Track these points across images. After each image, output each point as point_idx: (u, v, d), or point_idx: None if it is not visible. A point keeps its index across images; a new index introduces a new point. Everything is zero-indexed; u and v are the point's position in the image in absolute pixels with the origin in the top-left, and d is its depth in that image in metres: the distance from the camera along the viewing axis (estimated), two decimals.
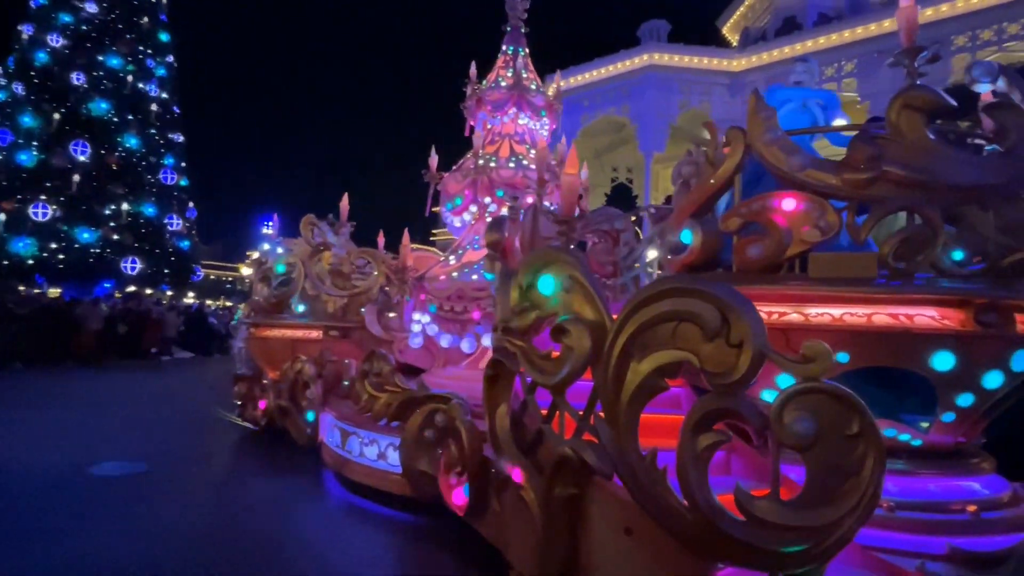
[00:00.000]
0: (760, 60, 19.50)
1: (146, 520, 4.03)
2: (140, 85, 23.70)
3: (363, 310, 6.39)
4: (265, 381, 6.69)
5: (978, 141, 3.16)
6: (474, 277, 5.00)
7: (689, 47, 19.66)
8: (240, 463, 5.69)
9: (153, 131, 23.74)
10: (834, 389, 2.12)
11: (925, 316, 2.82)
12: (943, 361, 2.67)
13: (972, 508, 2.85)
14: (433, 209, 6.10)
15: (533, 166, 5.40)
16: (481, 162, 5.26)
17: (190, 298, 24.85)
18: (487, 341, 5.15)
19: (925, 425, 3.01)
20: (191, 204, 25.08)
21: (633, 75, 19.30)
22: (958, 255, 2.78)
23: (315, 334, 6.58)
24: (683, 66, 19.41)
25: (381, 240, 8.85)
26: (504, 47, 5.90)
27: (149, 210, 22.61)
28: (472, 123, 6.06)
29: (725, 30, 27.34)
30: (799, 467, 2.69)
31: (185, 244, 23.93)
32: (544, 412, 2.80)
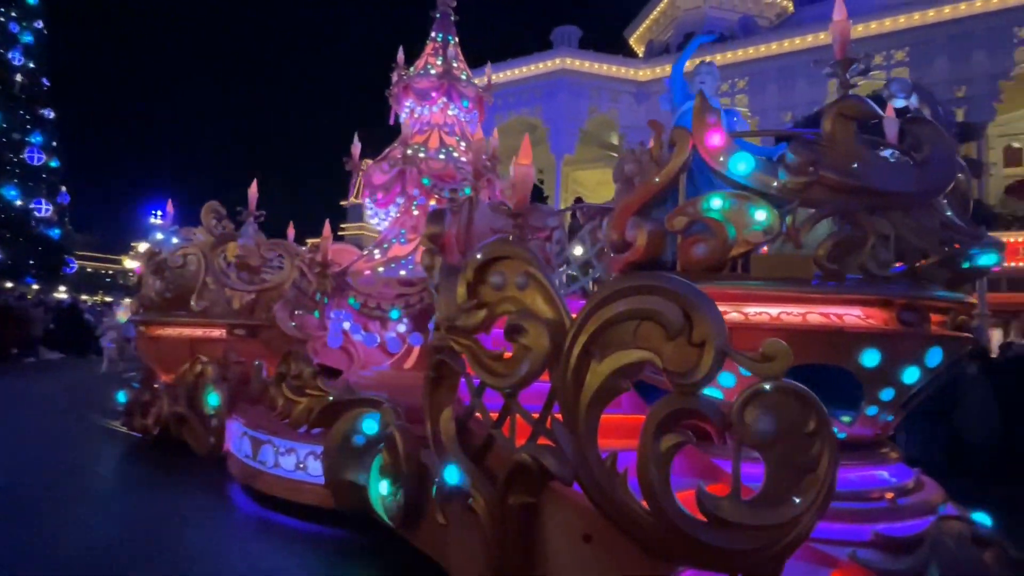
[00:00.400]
0: (664, 72, 20.46)
1: (20, 540, 3.43)
2: (1, 51, 20.59)
3: (274, 307, 5.88)
4: (157, 385, 5.97)
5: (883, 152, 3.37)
6: (402, 273, 4.71)
7: (599, 55, 20.39)
8: (130, 476, 5.02)
9: (17, 105, 20.64)
10: (793, 388, 2.11)
11: (854, 316, 2.95)
12: (870, 358, 2.80)
13: (889, 495, 3.02)
14: (352, 200, 5.69)
15: (464, 158, 5.19)
16: (409, 152, 4.97)
17: (61, 292, 22.05)
18: (415, 340, 4.88)
19: (846, 419, 3.15)
20: (63, 188, 22.09)
21: (546, 78, 19.71)
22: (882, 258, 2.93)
23: (217, 333, 5.96)
24: (593, 72, 20.09)
25: (291, 232, 8.25)
26: (433, 34, 5.64)
27: (11, 193, 19.66)
28: (397, 111, 5.74)
29: (632, 41, 28.51)
30: (750, 464, 2.69)
31: (55, 232, 21.06)
32: (494, 416, 2.62)
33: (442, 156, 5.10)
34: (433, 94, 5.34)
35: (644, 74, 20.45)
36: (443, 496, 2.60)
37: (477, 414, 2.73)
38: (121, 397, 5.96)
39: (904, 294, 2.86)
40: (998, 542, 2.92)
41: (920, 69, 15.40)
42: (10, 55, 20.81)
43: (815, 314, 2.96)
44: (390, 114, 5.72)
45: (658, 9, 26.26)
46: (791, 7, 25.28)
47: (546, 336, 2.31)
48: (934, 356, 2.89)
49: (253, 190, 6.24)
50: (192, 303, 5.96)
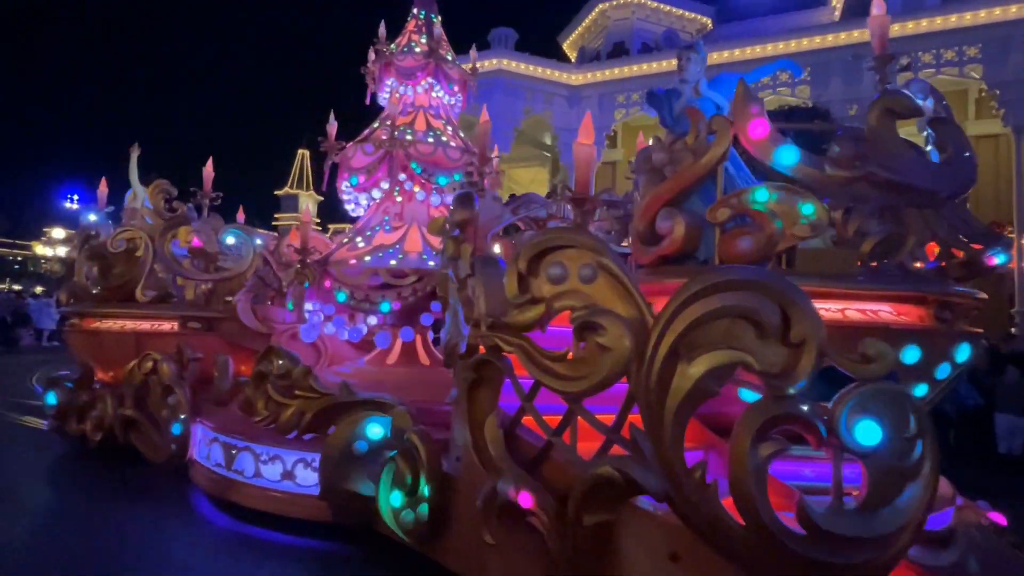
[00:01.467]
0: (594, 77, 21.37)
1: None
2: None
3: (234, 298, 5.20)
4: (96, 386, 5.15)
5: None
6: (392, 263, 4.23)
7: (534, 57, 20.92)
8: (76, 487, 4.26)
9: None
10: (894, 389, 1.95)
11: (885, 312, 2.87)
12: (911, 354, 2.71)
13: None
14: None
15: (453, 143, 4.76)
16: (396, 134, 4.49)
17: None
18: (406, 335, 4.43)
19: None
20: None
21: (483, 78, 19.49)
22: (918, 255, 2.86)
23: (168, 326, 5.21)
24: (529, 74, 20.55)
25: (241, 216, 7.47)
26: (415, 10, 5.14)
27: None
28: (375, 90, 5.20)
29: (565, 46, 29.06)
30: (814, 464, 2.51)
31: None
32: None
33: (431, 140, 4.65)
34: (418, 74, 4.87)
35: (576, 78, 21.15)
36: (495, 512, 2.25)
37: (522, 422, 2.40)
38: (51, 399, 5.07)
39: (939, 291, 2.80)
40: (1008, 529, 2.96)
41: (819, 87, 16.77)
42: None
43: (853, 310, 2.85)
44: (366, 93, 5.18)
45: (589, 18, 27.05)
46: (711, 24, 26.51)
47: (628, 336, 2.01)
48: (963, 352, 2.86)
49: (209, 169, 5.52)
50: (138, 293, 5.18)
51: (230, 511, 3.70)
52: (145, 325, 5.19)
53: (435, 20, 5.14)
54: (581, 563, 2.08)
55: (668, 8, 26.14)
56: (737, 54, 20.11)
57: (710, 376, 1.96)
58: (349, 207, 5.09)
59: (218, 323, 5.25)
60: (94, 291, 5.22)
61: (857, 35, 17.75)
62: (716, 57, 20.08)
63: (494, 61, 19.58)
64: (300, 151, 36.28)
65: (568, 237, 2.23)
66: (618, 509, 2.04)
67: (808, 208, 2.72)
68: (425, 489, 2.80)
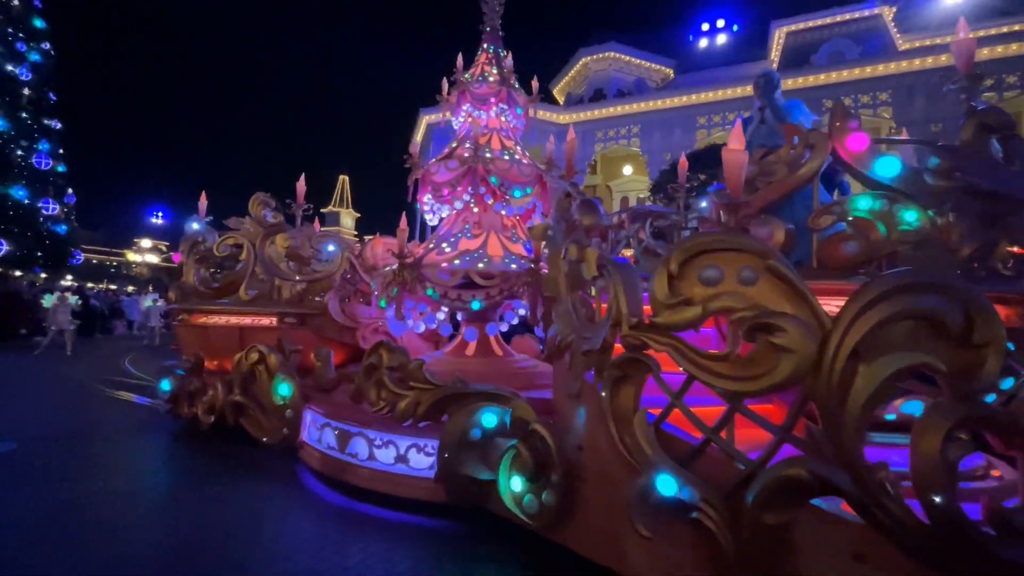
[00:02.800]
0: (578, 117, 21.89)
1: (96, 538, 2.33)
2: (9, 67, 17.58)
3: (324, 296, 4.79)
4: (205, 373, 4.71)
5: None
6: (480, 266, 3.83)
7: (538, 103, 20.94)
8: (196, 467, 3.80)
9: (24, 116, 17.66)
10: None
11: None
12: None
13: (996, 472, 2.63)
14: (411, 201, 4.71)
15: (524, 160, 4.36)
16: (478, 152, 4.09)
17: (67, 281, 19.14)
18: (491, 330, 4.03)
19: None
20: (70, 190, 19.04)
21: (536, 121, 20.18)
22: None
23: (267, 321, 4.78)
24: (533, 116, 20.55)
25: (317, 226, 7.03)
26: (485, 45, 4.75)
27: (19, 193, 16.90)
28: (450, 114, 4.80)
29: (556, 91, 29.39)
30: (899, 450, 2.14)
31: (62, 228, 18.13)
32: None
33: (506, 157, 4.25)
34: (492, 99, 4.47)
35: (564, 118, 21.53)
36: (654, 509, 1.87)
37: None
38: (165, 385, 4.63)
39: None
40: None
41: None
42: (18, 71, 17.87)
43: None
44: (442, 116, 4.77)
45: (575, 68, 27.87)
46: (672, 75, 26.88)
47: (810, 337, 1.63)
48: None
49: (301, 184, 5.08)
50: (241, 292, 4.74)
51: (341, 490, 3.29)
52: (247, 320, 4.76)
53: (502, 54, 4.74)
54: (755, 560, 1.70)
55: (638, 61, 26.78)
56: (695, 98, 20.48)
57: (893, 377, 1.60)
58: (428, 216, 4.68)
59: (310, 318, 4.83)
60: (202, 289, 4.78)
61: (794, 81, 18.26)
62: (677, 101, 20.52)
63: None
64: (341, 177, 35.76)
65: (728, 240, 1.85)
66: (798, 509, 1.67)
67: (912, 215, 2.37)
68: (553, 476, 2.41)
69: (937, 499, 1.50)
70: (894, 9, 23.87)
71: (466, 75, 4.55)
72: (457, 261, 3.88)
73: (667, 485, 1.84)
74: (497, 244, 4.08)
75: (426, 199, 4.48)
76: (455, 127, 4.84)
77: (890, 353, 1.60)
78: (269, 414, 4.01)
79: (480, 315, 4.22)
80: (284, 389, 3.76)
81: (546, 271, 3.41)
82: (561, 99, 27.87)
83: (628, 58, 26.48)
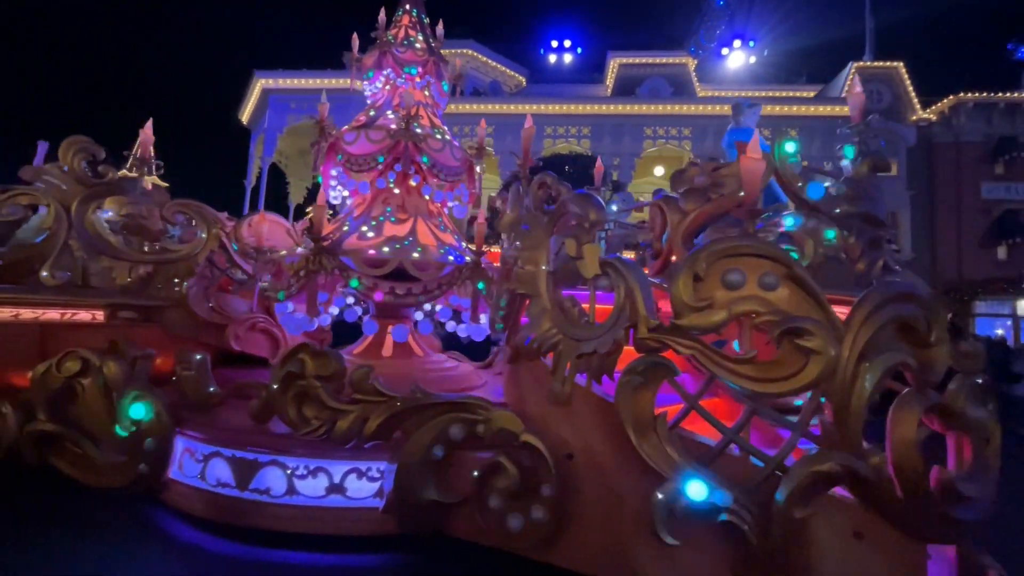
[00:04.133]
0: (458, 109, 21.82)
1: None
2: None
3: (182, 284, 3.69)
4: None
5: None
6: (415, 255, 3.34)
7: None
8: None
9: None
10: (986, 380, 2.04)
11: None
12: None
13: None
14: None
15: (456, 143, 3.97)
16: (407, 125, 3.56)
17: None
18: (425, 328, 3.55)
19: None
20: None
21: (338, 93, 18.63)
22: None
23: (87, 316, 3.47)
24: None
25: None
26: (407, 6, 4.18)
27: None
28: (360, 77, 4.12)
29: None
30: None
31: None
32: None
33: (438, 136, 3.82)
34: (419, 69, 3.97)
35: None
36: (682, 514, 1.83)
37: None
38: None
39: None
40: None
41: (597, 142, 19.97)
42: None
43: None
44: (353, 78, 4.09)
45: None
46: (525, 82, 28.74)
47: (832, 341, 1.77)
48: None
49: (148, 132, 3.82)
50: (44, 274, 3.34)
51: (238, 537, 2.54)
52: (53, 314, 3.38)
53: (425, 20, 4.27)
54: (780, 554, 1.79)
55: (495, 64, 27.71)
56: (544, 108, 22.26)
57: (885, 375, 1.84)
58: (332, 193, 3.96)
59: (158, 312, 3.67)
60: None
61: (623, 108, 21.42)
62: (530, 108, 21.96)
63: (347, 80, 18.54)
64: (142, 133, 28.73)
65: (754, 246, 1.91)
66: (819, 500, 1.80)
67: (831, 233, 2.82)
68: (544, 490, 2.22)
69: (915, 475, 1.77)
70: (696, 60, 29.25)
71: (388, 36, 3.97)
72: (386, 248, 3.35)
73: (697, 489, 1.82)
74: (427, 232, 3.65)
75: (334, 172, 3.78)
76: (367, 93, 4.19)
77: (882, 353, 1.84)
78: (104, 447, 2.89)
79: (392, 310, 3.74)
80: (138, 410, 2.74)
81: (494, 264, 3.16)
82: None
83: (485, 59, 27.10)
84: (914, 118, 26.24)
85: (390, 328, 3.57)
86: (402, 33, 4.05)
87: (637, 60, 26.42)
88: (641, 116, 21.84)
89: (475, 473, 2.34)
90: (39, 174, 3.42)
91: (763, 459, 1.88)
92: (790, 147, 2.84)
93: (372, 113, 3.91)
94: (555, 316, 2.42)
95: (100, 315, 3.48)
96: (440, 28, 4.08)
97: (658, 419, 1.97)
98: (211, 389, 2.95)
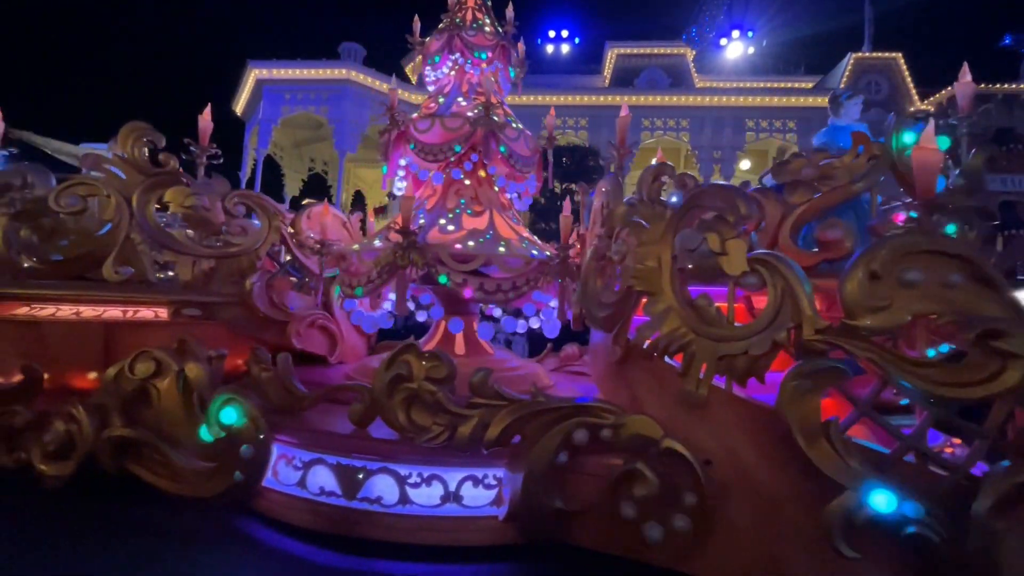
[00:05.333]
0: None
1: None
2: None
3: (248, 280, 3.49)
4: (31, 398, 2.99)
5: None
6: (501, 249, 3.18)
7: (380, 74, 20.49)
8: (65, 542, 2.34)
9: None
10: None
11: None
12: None
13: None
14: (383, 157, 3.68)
15: (528, 132, 3.79)
16: (488, 113, 3.37)
17: None
18: (512, 326, 3.41)
19: None
20: None
21: (334, 84, 18.77)
22: None
23: (149, 314, 3.27)
24: (375, 88, 19.83)
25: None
26: None
27: None
28: (422, 64, 3.91)
29: (407, 70, 28.56)
30: None
31: None
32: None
33: (514, 126, 3.64)
34: (488, 54, 3.77)
35: (416, 98, 21.38)
36: (865, 526, 1.73)
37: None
38: None
39: None
40: None
41: (595, 133, 20.08)
42: None
43: None
44: (422, 65, 3.87)
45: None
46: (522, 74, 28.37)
47: None
48: None
49: (207, 119, 3.59)
50: (107, 270, 3.12)
51: (344, 548, 2.40)
52: (115, 312, 3.17)
53: (488, 4, 4.05)
54: (973, 568, 1.70)
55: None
56: (540, 99, 22.01)
57: None
58: (400, 184, 3.77)
59: (221, 309, 3.48)
60: (26, 263, 2.98)
61: (619, 99, 21.24)
62: (523, 100, 21.67)
63: (343, 71, 18.71)
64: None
65: (940, 243, 1.79)
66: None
67: (951, 228, 2.71)
68: (687, 499, 2.10)
69: None
70: (694, 52, 29.07)
71: (456, 18, 3.75)
72: (471, 243, 3.18)
73: (884, 500, 1.72)
74: (504, 225, 3.49)
75: (403, 162, 3.59)
76: (429, 79, 3.98)
77: None
78: (186, 453, 2.72)
79: (463, 307, 3.59)
80: (230, 414, 2.57)
81: (582, 260, 3.02)
82: (413, 78, 26.85)
83: None
84: (913, 109, 26.32)
85: (449, 324, 3.40)
86: (470, 16, 3.84)
87: (635, 51, 26.16)
88: (639, 107, 21.78)
89: (606, 480, 2.22)
90: (99, 162, 3.18)
91: (952, 470, 1.78)
92: (908, 138, 2.71)
93: (441, 100, 3.71)
94: (685, 315, 2.29)
95: (163, 313, 3.28)
96: (510, 11, 3.87)
97: (830, 425, 1.86)
98: (300, 391, 2.78)
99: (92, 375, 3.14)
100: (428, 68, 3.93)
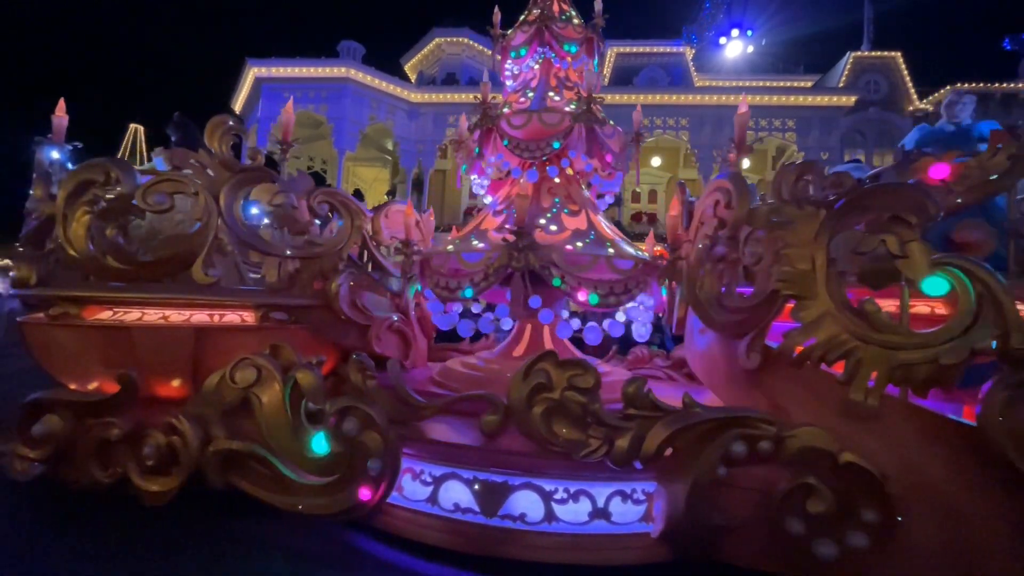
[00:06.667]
0: (431, 98, 21.67)
1: None
2: None
3: (333, 281, 3.31)
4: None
5: None
6: (611, 251, 3.03)
7: (380, 72, 20.20)
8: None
9: None
10: None
11: None
12: None
13: None
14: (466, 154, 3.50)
15: (620, 128, 3.64)
16: (590, 107, 3.22)
17: None
18: (617, 329, 3.26)
19: None
20: None
21: (333, 82, 18.64)
22: None
23: (236, 318, 3.08)
24: (375, 86, 19.76)
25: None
26: None
27: None
28: (500, 55, 3.73)
29: (407, 67, 28.55)
30: None
31: None
32: None
33: (610, 123, 3.49)
34: (578, 47, 3.61)
35: (416, 97, 21.18)
36: None
37: None
38: (40, 430, 2.55)
39: None
40: None
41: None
42: None
43: None
44: (529, 55, 3.68)
45: (428, 47, 27.42)
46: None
47: None
48: None
49: (289, 111, 3.39)
50: (197, 271, 2.92)
51: (481, 568, 2.25)
52: (202, 316, 2.98)
53: None
54: None
55: (491, 52, 26.80)
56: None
57: None
58: (484, 182, 3.60)
59: (306, 313, 3.29)
60: (112, 264, 2.77)
61: (618, 98, 21.18)
62: None
63: (343, 70, 18.53)
64: (133, 126, 27.33)
65: None
66: None
67: None
68: (866, 515, 1.99)
69: None
70: (693, 50, 29.07)
71: (544, 10, 3.58)
72: (579, 243, 3.03)
73: None
74: (602, 225, 3.34)
75: (493, 159, 3.42)
76: (511, 71, 3.81)
77: None
78: (293, 467, 2.54)
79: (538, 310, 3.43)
80: (352, 426, 2.40)
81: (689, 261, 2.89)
82: (412, 76, 26.61)
83: (482, 47, 26.43)
84: (911, 108, 26.51)
85: (540, 314, 3.23)
86: (556, 7, 3.67)
87: (634, 49, 26.03)
88: (656, 106, 20.58)
89: (765, 494, 2.10)
90: (186, 158, 2.97)
91: None
92: None
93: (530, 94, 3.54)
94: (847, 321, 2.16)
95: (249, 317, 3.09)
96: (599, 2, 3.70)
97: None
98: (417, 400, 2.61)
99: (176, 383, 2.94)
100: (510, 61, 3.75)
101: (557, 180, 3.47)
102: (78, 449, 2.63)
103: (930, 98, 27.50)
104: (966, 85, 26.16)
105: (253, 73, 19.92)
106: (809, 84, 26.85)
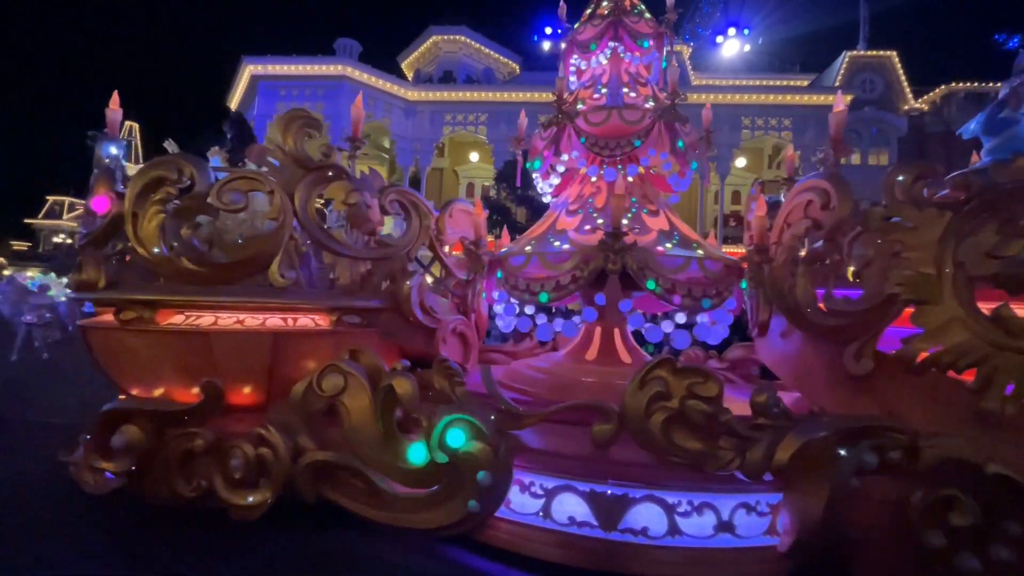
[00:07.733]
0: (428, 96, 21.34)
1: None
2: None
3: (404, 283, 3.17)
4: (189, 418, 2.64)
5: None
6: (700, 252, 2.92)
7: (377, 71, 19.74)
8: None
9: None
10: None
11: None
12: None
13: None
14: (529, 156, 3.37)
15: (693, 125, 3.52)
16: (673, 102, 3.11)
17: None
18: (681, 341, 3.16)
19: None
20: None
21: (329, 80, 18.20)
22: None
23: (310, 322, 2.93)
24: (371, 84, 19.35)
25: None
26: None
27: None
28: (578, 52, 3.60)
29: (404, 65, 28.33)
30: None
31: None
32: None
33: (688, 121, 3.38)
34: (649, 42, 3.49)
35: (412, 95, 20.79)
36: None
37: None
38: (119, 443, 2.39)
39: None
40: None
41: None
42: None
43: None
44: (603, 50, 3.54)
45: (425, 45, 27.06)
46: (519, 69, 28.22)
47: None
48: None
49: (359, 106, 3.24)
50: (273, 273, 2.77)
51: None
52: (276, 320, 2.83)
53: None
54: None
55: (487, 51, 27.10)
56: (537, 96, 21.91)
57: None
58: (553, 180, 3.48)
59: (377, 316, 3.16)
60: (186, 265, 2.60)
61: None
62: (524, 96, 21.36)
63: (339, 67, 18.24)
64: (129, 124, 26.75)
65: None
66: None
67: None
68: (1012, 528, 1.92)
69: None
70: (690, 49, 29.08)
71: (616, 4, 3.46)
72: (668, 244, 2.93)
73: None
74: (682, 225, 3.24)
75: (566, 156, 3.30)
76: (577, 66, 3.68)
77: None
78: (386, 479, 2.42)
79: (611, 311, 3.33)
80: (458, 437, 2.28)
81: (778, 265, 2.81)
82: (409, 74, 26.36)
83: (479, 46, 26.28)
84: (906, 107, 26.76)
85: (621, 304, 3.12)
86: (627, 2, 3.54)
87: None
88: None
89: (899, 506, 2.03)
90: (263, 155, 2.81)
91: None
92: None
93: (603, 90, 3.42)
94: (978, 327, 2.09)
95: (322, 320, 2.95)
96: None
97: None
98: (517, 409, 2.50)
99: (247, 390, 2.80)
100: (576, 56, 3.63)
101: (631, 179, 3.36)
102: (158, 460, 2.48)
103: (925, 97, 27.77)
104: (961, 84, 26.42)
105: (249, 70, 19.58)
106: (805, 83, 26.99)
